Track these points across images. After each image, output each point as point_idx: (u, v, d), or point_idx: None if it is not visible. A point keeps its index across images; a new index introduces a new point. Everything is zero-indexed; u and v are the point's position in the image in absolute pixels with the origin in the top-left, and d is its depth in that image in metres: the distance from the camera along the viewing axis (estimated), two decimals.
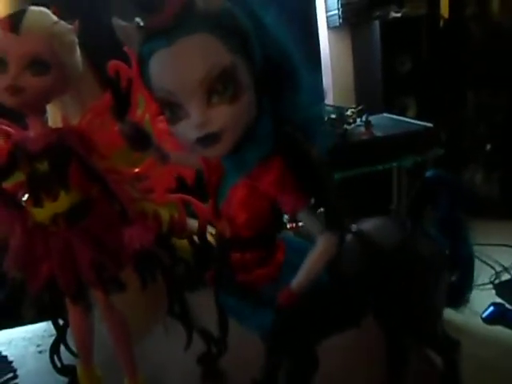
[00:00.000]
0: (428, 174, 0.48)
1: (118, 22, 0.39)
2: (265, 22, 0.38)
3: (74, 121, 0.55)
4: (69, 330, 0.67)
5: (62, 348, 0.72)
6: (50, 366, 0.73)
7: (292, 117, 0.37)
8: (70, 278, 0.53)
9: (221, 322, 0.60)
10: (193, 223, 0.62)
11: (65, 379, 0.73)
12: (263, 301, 0.36)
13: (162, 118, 0.50)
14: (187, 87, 0.35)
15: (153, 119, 0.54)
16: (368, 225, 0.44)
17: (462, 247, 0.48)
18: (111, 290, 0.54)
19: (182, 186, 0.58)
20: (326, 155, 0.38)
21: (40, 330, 0.84)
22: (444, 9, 2.65)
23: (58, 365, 0.73)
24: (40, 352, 0.78)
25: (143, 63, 0.37)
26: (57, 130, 0.54)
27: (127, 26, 0.39)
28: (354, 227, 0.44)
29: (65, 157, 0.52)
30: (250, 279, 0.37)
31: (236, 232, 0.37)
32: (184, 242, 0.62)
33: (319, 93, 0.42)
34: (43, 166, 0.51)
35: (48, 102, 0.53)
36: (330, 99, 2.13)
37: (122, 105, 0.42)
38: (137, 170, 0.56)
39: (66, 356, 0.72)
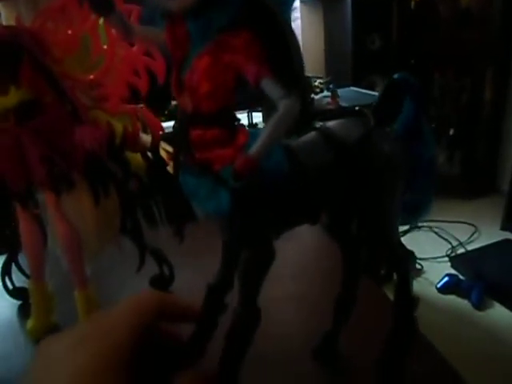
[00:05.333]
0: (395, 75, 0.46)
1: None
2: None
3: (28, 24, 0.55)
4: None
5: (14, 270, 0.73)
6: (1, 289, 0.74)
7: None
8: (19, 176, 0.53)
9: (178, 205, 0.60)
10: (146, 138, 0.62)
11: (17, 302, 0.74)
12: (222, 182, 0.35)
13: None
14: None
15: None
16: (333, 122, 0.45)
17: (424, 152, 0.47)
18: (61, 188, 0.55)
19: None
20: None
21: None
22: None
23: (10, 287, 0.74)
24: None
25: None
26: (10, 27, 0.54)
27: None
28: (318, 123, 0.43)
29: (17, 53, 0.51)
30: (208, 158, 0.35)
31: (198, 105, 0.35)
32: (138, 159, 0.63)
33: None
34: None
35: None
36: None
37: None
38: (91, 76, 0.57)
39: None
